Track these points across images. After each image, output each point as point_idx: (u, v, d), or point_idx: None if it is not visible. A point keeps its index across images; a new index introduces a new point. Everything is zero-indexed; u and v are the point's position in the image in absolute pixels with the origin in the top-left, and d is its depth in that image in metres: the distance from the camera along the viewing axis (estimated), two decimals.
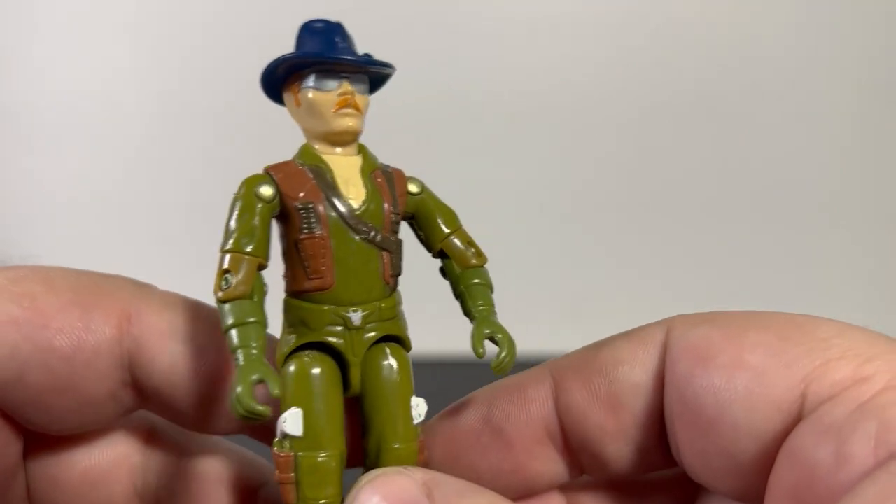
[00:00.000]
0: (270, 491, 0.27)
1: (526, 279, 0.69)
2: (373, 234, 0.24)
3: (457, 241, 0.27)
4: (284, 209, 0.24)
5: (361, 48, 0.25)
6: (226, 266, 0.23)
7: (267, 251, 0.24)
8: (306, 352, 0.24)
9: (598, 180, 0.71)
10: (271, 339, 0.24)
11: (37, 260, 0.26)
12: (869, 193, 0.74)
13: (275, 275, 0.25)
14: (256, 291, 0.23)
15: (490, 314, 0.26)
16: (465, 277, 0.26)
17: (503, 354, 0.25)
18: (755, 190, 0.72)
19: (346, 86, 0.24)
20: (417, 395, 0.25)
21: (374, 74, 0.25)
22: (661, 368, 0.24)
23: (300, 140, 0.25)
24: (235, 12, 0.64)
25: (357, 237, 0.24)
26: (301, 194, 0.24)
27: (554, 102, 0.69)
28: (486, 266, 0.27)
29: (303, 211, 0.24)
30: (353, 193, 0.24)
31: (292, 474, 0.23)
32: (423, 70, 0.66)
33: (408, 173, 0.26)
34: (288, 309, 0.24)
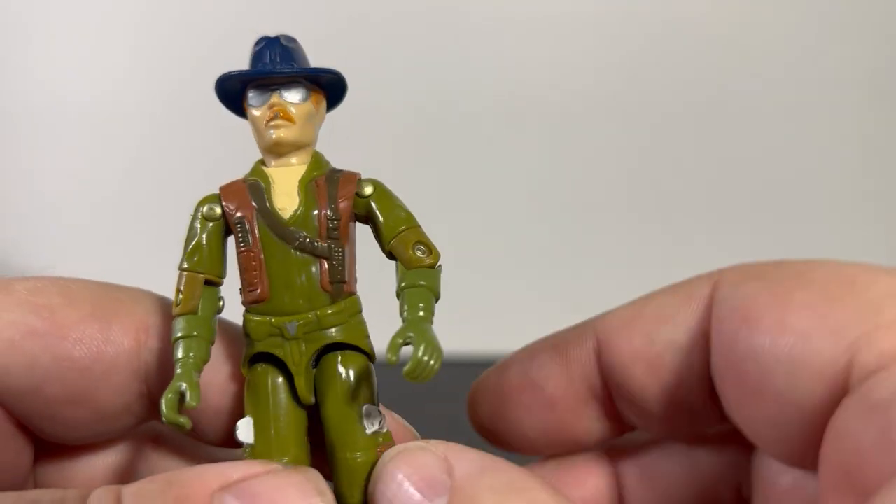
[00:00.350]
0: None
1: (525, 278, 0.69)
2: (307, 241, 0.24)
3: (403, 241, 0.25)
4: (228, 226, 0.25)
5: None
6: (176, 284, 0.25)
7: (217, 267, 0.25)
8: (259, 363, 0.25)
9: (598, 179, 0.71)
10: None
11: (53, 271, 0.26)
12: (870, 194, 0.74)
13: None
14: (206, 307, 0.25)
15: (415, 319, 0.23)
16: (406, 278, 0.24)
17: (418, 355, 0.22)
18: (756, 190, 0.72)
19: (275, 98, 0.25)
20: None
21: (313, 82, 0.25)
22: (707, 327, 0.23)
23: None
24: (237, 13, 0.64)
25: (290, 247, 0.24)
26: (236, 210, 0.25)
27: (554, 102, 0.68)
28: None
29: (238, 225, 0.24)
30: (285, 203, 0.24)
31: None
32: (422, 70, 0.66)
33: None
34: (242, 322, 0.25)
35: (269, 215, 0.24)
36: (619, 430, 0.27)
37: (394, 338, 0.22)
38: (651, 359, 0.24)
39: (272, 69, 0.24)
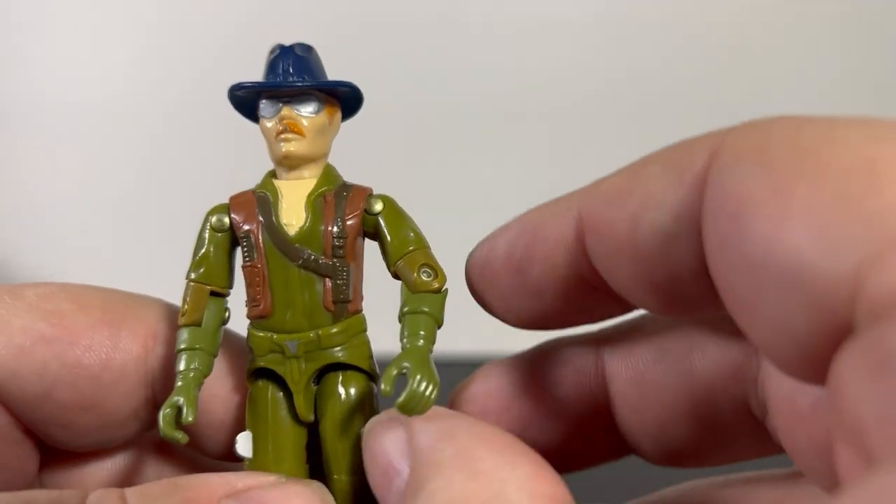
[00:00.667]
0: None
1: None
2: (311, 259, 0.24)
3: (409, 262, 0.24)
4: (235, 238, 0.25)
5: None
6: (182, 294, 0.25)
7: (223, 278, 0.25)
8: (261, 378, 0.25)
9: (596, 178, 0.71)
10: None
11: (63, 277, 0.26)
12: None
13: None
14: (211, 318, 0.25)
15: (414, 348, 0.23)
16: (409, 302, 0.24)
17: (413, 387, 0.21)
18: None
19: (286, 110, 0.24)
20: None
21: (328, 93, 0.25)
22: (699, 215, 0.18)
23: None
24: (248, 12, 0.64)
25: (294, 264, 0.24)
26: (243, 223, 0.24)
27: (553, 102, 0.69)
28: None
29: (244, 239, 0.24)
30: (292, 219, 0.24)
31: None
32: (421, 70, 0.66)
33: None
34: (246, 335, 0.25)
35: (274, 231, 0.24)
36: (616, 311, 0.24)
37: (388, 368, 0.22)
38: (637, 249, 0.20)
39: (283, 82, 0.24)
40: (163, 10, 0.65)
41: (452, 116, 0.67)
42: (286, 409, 0.25)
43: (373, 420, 0.23)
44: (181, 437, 0.23)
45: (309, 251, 0.24)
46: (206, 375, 0.24)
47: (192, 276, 0.25)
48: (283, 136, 0.24)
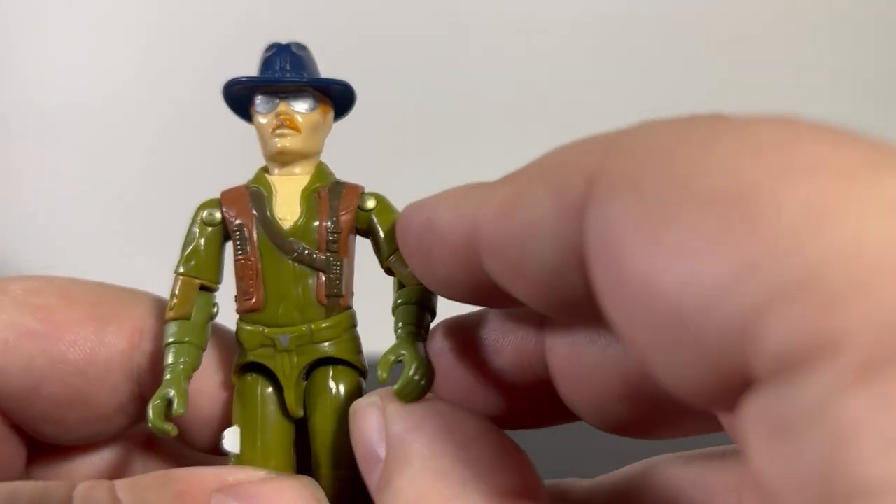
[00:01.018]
0: None
1: None
2: (305, 253, 0.24)
3: (402, 257, 0.24)
4: (227, 232, 0.25)
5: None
6: (171, 288, 0.25)
7: (213, 272, 0.25)
8: (250, 373, 0.25)
9: None
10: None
11: (53, 271, 0.26)
12: None
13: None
14: (200, 312, 0.25)
15: (408, 336, 0.23)
16: (402, 295, 0.24)
17: (409, 374, 0.22)
18: None
19: (282, 106, 0.24)
20: None
21: (322, 92, 0.25)
22: (580, 247, 0.16)
23: None
24: (248, 13, 0.65)
25: (288, 257, 0.24)
26: (236, 217, 0.25)
27: (553, 102, 0.69)
28: None
29: (237, 233, 0.24)
30: (286, 213, 0.24)
31: None
32: (419, 69, 0.66)
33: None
34: (235, 330, 0.25)
35: (269, 224, 0.24)
36: None
37: (385, 355, 0.22)
38: (528, 275, 0.18)
39: (281, 77, 0.24)
40: (163, 11, 0.65)
41: (448, 115, 0.67)
42: (275, 404, 0.25)
43: (357, 401, 0.23)
44: (171, 429, 0.23)
45: (303, 245, 0.24)
46: (195, 369, 0.24)
47: (182, 269, 0.25)
48: (278, 131, 0.24)
